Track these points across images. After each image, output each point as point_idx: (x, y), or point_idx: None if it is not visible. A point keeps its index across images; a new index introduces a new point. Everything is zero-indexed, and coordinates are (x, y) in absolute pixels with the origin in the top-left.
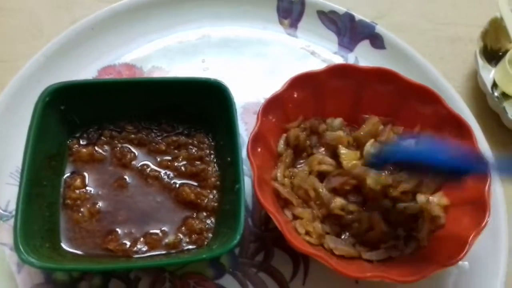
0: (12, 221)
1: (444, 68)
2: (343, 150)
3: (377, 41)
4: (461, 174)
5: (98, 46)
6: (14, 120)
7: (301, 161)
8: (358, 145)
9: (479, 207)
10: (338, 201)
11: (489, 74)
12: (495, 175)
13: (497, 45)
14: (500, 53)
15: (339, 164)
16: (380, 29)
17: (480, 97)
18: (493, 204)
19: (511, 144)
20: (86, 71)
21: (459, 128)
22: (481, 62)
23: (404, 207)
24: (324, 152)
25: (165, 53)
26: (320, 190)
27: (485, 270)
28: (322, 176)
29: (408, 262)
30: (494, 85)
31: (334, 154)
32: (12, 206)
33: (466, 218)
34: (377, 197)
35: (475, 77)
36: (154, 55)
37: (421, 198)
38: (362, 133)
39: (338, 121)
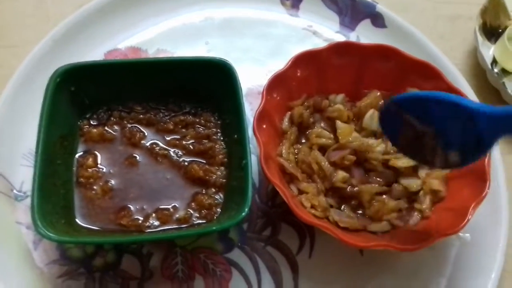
0: (26, 201)
1: (445, 46)
2: (340, 124)
3: (378, 20)
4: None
5: (104, 29)
6: (24, 103)
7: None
8: (358, 118)
9: (479, 178)
10: (340, 174)
11: (488, 50)
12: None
13: (496, 22)
14: (500, 30)
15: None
16: (380, 8)
17: (480, 73)
18: (494, 176)
19: None
20: (92, 54)
21: None
22: (480, 39)
23: (406, 182)
24: (324, 126)
25: (169, 36)
26: (323, 163)
27: (486, 241)
28: (323, 150)
29: (411, 233)
30: (494, 61)
31: (334, 128)
32: (26, 187)
33: (467, 189)
34: (378, 169)
35: (475, 54)
36: (158, 38)
37: (422, 172)
38: (363, 104)
39: (340, 97)
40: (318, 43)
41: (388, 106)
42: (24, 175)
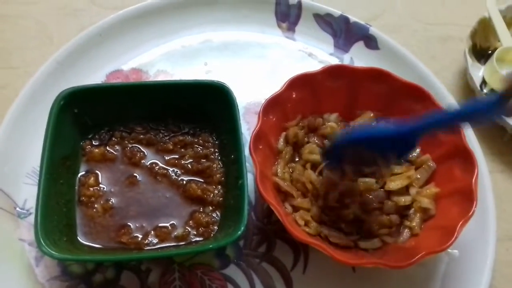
0: (29, 218)
1: (435, 67)
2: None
3: (371, 42)
4: (414, 137)
5: (106, 52)
6: (29, 123)
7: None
8: None
9: (467, 197)
10: (332, 194)
11: (478, 71)
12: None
13: (486, 43)
14: (489, 52)
15: None
16: (373, 30)
17: (470, 94)
18: (482, 194)
19: (499, 138)
20: (95, 75)
21: None
22: (470, 60)
23: (397, 200)
24: (317, 142)
25: (169, 57)
26: (316, 183)
27: (474, 257)
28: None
29: (401, 250)
30: (484, 82)
31: None
32: (29, 204)
33: (455, 208)
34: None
35: (465, 75)
36: (158, 59)
37: (413, 190)
38: (356, 124)
39: (334, 116)
40: (313, 65)
41: (328, 150)
42: (27, 193)
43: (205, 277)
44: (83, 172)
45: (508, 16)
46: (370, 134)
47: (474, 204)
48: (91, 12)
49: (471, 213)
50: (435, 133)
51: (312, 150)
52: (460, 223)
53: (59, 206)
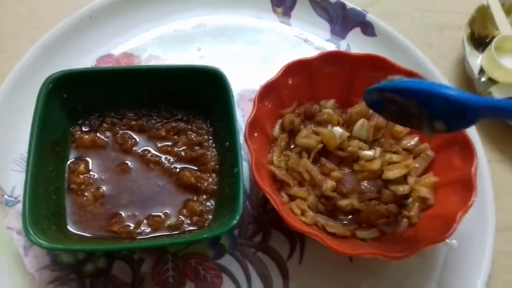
0: (18, 206)
1: (433, 55)
2: (322, 130)
3: (368, 29)
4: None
5: (96, 35)
6: (16, 108)
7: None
8: (348, 125)
9: (466, 187)
10: (330, 183)
11: (476, 60)
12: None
13: (484, 31)
14: (487, 40)
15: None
16: (370, 16)
17: (468, 82)
18: (481, 184)
19: (498, 126)
20: (85, 60)
21: None
22: (468, 48)
23: (394, 187)
24: (313, 128)
25: (161, 42)
26: (313, 172)
27: (473, 248)
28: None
29: (399, 240)
30: (481, 70)
31: None
32: (17, 192)
33: (454, 197)
34: (370, 177)
35: (463, 63)
36: (150, 44)
37: (411, 180)
38: (353, 111)
39: (330, 102)
40: (309, 51)
41: (372, 91)
42: (15, 181)
43: (199, 267)
44: (73, 159)
45: (506, 4)
46: (431, 89)
47: (474, 194)
48: None
49: (470, 202)
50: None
51: (308, 135)
52: (460, 213)
53: (48, 193)
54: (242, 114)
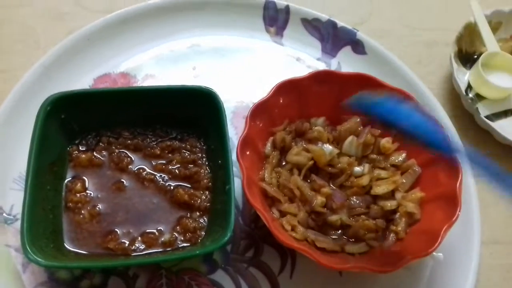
0: (16, 224)
1: (422, 71)
2: (312, 147)
3: (358, 47)
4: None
5: (93, 56)
6: (15, 128)
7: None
8: (338, 142)
9: (452, 202)
10: (320, 199)
11: (464, 76)
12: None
13: (472, 48)
14: (475, 56)
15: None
16: (360, 35)
17: (455, 98)
18: (466, 199)
19: (484, 142)
20: (83, 80)
21: None
22: (455, 65)
23: (383, 204)
24: (304, 146)
25: (157, 62)
26: (303, 189)
27: (459, 261)
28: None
29: (386, 254)
30: (469, 87)
31: None
32: (16, 210)
33: (440, 212)
34: (359, 193)
35: (450, 80)
36: (147, 64)
37: (398, 195)
38: (343, 128)
39: (321, 120)
40: (301, 69)
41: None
42: (14, 199)
43: (192, 282)
44: (70, 178)
45: (493, 21)
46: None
47: (458, 209)
48: (79, 15)
49: (455, 217)
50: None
51: (298, 152)
52: (444, 227)
53: (46, 212)
54: (236, 132)
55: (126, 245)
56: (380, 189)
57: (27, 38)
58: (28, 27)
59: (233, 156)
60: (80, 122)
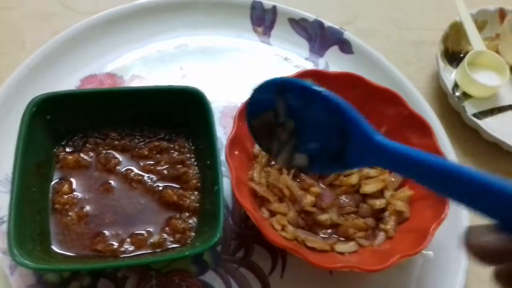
0: (2, 226)
1: (409, 70)
2: None
3: (345, 47)
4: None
5: (80, 56)
6: (0, 129)
7: None
8: None
9: (440, 200)
10: (309, 199)
11: (450, 75)
12: None
13: (458, 47)
14: (461, 55)
15: None
16: (348, 35)
17: (442, 97)
18: None
19: (471, 140)
20: (69, 80)
21: (421, 126)
22: (442, 64)
23: (371, 201)
24: None
25: (144, 62)
26: (292, 188)
27: (448, 258)
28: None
29: (376, 253)
30: (456, 85)
31: None
32: (2, 213)
33: (429, 210)
34: (348, 192)
35: (437, 79)
36: (134, 64)
37: (387, 193)
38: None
39: None
40: (289, 69)
41: (271, 83)
42: (0, 201)
43: (183, 284)
44: (57, 180)
45: (479, 20)
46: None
47: (447, 207)
48: (65, 16)
49: (443, 215)
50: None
51: None
52: (433, 225)
53: (33, 214)
54: (225, 132)
55: (115, 246)
56: (369, 187)
57: (13, 40)
58: (14, 28)
59: (222, 156)
60: (66, 123)
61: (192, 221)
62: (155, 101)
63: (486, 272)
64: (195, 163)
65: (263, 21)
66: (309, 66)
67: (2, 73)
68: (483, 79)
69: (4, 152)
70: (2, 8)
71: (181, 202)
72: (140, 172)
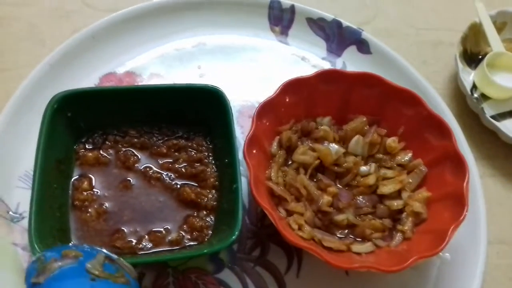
0: (22, 222)
1: (427, 71)
2: (318, 147)
3: (363, 47)
4: None
5: (99, 54)
6: (21, 127)
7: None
8: (344, 142)
9: (458, 202)
10: (326, 199)
11: (469, 76)
12: None
13: (477, 48)
14: (480, 56)
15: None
16: (366, 35)
17: (460, 98)
18: (473, 199)
19: (489, 142)
20: (88, 78)
21: (440, 128)
22: (461, 65)
23: (390, 204)
24: (310, 145)
25: (162, 61)
26: (309, 188)
27: (466, 261)
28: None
29: (393, 254)
30: (474, 87)
31: None
32: (22, 208)
33: (447, 212)
34: (365, 192)
35: (456, 79)
36: (152, 63)
37: (405, 194)
38: (349, 128)
39: (327, 119)
40: (306, 69)
41: None
42: (20, 197)
43: (199, 282)
44: (77, 176)
45: (498, 21)
46: None
47: (465, 209)
48: (84, 14)
49: (462, 217)
50: None
51: (304, 151)
52: (452, 227)
53: (53, 210)
54: (242, 131)
55: (133, 243)
56: (386, 188)
57: (32, 37)
58: (33, 25)
59: (239, 155)
60: (87, 121)
61: (210, 219)
62: (173, 99)
63: (503, 275)
64: (213, 162)
65: (281, 20)
66: (326, 66)
67: (21, 69)
68: (502, 80)
69: (24, 149)
70: (20, 5)
71: (199, 200)
72: (159, 170)
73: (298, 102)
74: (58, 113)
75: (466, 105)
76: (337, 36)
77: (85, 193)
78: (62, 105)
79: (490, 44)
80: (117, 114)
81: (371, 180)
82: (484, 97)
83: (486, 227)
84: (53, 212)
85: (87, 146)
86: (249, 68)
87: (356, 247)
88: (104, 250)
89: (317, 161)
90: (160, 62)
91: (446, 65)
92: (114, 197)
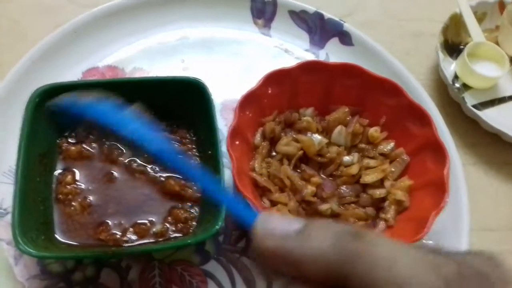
0: (7, 217)
1: (409, 62)
2: (302, 137)
3: (345, 39)
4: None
5: (81, 49)
6: (3, 122)
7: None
8: (327, 132)
9: (439, 189)
10: (310, 189)
11: (450, 66)
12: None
13: (458, 39)
14: (461, 47)
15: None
16: (348, 26)
17: (442, 88)
18: (455, 186)
19: (471, 131)
20: (71, 73)
21: (420, 116)
22: (442, 55)
23: (373, 192)
24: (293, 136)
25: (145, 54)
26: (293, 178)
27: (448, 247)
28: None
29: None
30: (456, 77)
31: None
32: (7, 204)
33: (428, 199)
34: (348, 182)
35: (437, 70)
36: (135, 57)
37: (387, 183)
38: (331, 118)
39: (309, 110)
40: (290, 61)
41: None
42: (4, 192)
43: (185, 273)
44: (60, 170)
45: (478, 11)
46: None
47: (446, 195)
48: (66, 9)
49: (442, 204)
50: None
51: (288, 142)
52: (432, 214)
53: (36, 204)
54: (226, 123)
55: (118, 236)
56: (369, 178)
57: (14, 33)
58: (15, 21)
59: (223, 148)
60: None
61: (194, 210)
62: (156, 92)
63: None
64: (197, 154)
65: (263, 13)
66: (309, 57)
67: (4, 66)
68: (482, 70)
69: (7, 145)
70: (1, 1)
71: (183, 192)
72: (143, 163)
73: (280, 93)
74: (40, 107)
75: (448, 95)
76: (320, 28)
77: (68, 186)
78: (44, 98)
79: (470, 34)
80: None
81: (354, 169)
82: (465, 86)
83: (469, 215)
84: (37, 206)
85: (70, 140)
86: (233, 61)
87: None
88: None
89: (301, 152)
90: (143, 56)
91: (428, 56)
92: (98, 190)
